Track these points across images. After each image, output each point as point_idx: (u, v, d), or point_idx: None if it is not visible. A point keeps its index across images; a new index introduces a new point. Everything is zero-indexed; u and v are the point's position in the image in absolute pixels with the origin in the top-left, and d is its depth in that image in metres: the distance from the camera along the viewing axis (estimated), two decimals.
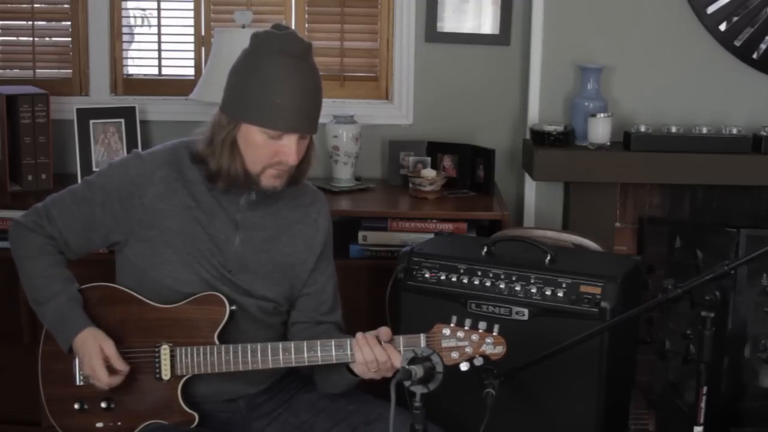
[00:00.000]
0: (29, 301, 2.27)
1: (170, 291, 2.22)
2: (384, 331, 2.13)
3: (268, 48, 2.14)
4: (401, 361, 2.04)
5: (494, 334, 2.06)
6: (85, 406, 2.25)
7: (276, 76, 2.12)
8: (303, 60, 2.15)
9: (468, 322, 2.08)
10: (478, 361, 2.05)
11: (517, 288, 2.51)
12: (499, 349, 2.06)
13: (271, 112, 2.13)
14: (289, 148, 2.15)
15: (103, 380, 2.17)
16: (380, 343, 2.11)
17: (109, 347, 2.17)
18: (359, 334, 2.13)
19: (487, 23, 3.53)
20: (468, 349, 2.06)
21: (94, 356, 2.16)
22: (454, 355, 2.06)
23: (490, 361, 2.07)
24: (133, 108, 3.46)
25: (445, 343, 2.06)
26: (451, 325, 2.07)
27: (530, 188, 3.48)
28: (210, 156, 2.20)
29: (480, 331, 2.06)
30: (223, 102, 2.21)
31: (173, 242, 2.22)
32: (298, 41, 2.15)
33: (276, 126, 2.13)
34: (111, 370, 2.17)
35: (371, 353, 2.10)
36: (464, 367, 2.04)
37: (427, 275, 2.62)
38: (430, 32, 3.53)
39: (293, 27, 3.58)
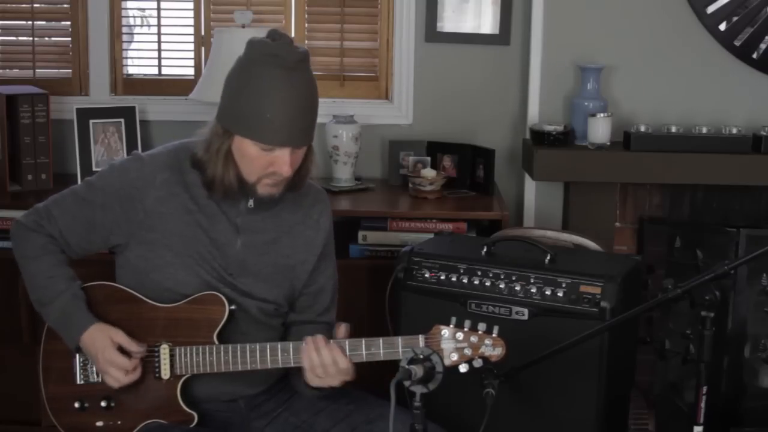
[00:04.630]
0: (32, 302, 2.27)
1: (171, 293, 2.22)
2: (341, 328, 2.14)
3: (261, 59, 2.12)
4: (347, 363, 2.09)
5: (493, 335, 2.05)
6: (86, 405, 2.25)
7: (267, 90, 2.10)
8: (297, 70, 2.12)
9: (467, 323, 2.07)
10: (477, 363, 2.04)
11: (517, 288, 2.51)
12: (499, 351, 2.05)
13: (261, 126, 2.11)
14: (282, 159, 2.14)
15: (124, 365, 2.16)
16: (328, 344, 2.11)
17: (119, 335, 2.17)
18: (308, 338, 2.13)
19: (487, 23, 3.53)
20: (467, 351, 2.05)
21: (107, 348, 2.16)
22: (453, 356, 2.05)
23: (490, 362, 2.06)
24: (133, 108, 3.46)
25: (444, 345, 2.06)
26: (450, 326, 2.07)
27: (530, 188, 3.48)
28: (207, 163, 2.20)
29: (479, 332, 2.05)
30: (219, 111, 2.20)
31: (174, 245, 2.22)
32: (292, 51, 2.12)
33: (267, 140, 2.12)
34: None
35: (317, 357, 2.11)
36: (463, 368, 2.04)
37: (427, 275, 2.62)
38: (430, 32, 3.53)
39: (293, 27, 3.59)
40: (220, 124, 2.19)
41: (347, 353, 2.12)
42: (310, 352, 2.12)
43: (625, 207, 3.41)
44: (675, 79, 3.38)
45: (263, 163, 2.15)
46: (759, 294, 3.33)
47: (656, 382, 3.47)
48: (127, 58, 3.68)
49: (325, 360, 2.11)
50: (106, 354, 2.16)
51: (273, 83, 2.10)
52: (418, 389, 1.87)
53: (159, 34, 3.65)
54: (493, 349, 2.04)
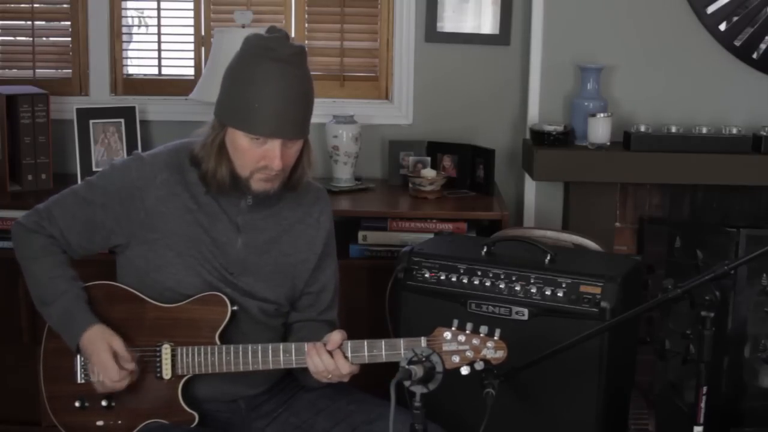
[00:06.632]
0: (34, 302, 2.27)
1: (172, 293, 2.22)
2: (332, 339, 2.12)
3: (255, 51, 2.13)
4: (350, 368, 2.09)
5: (495, 338, 2.05)
6: (86, 404, 2.25)
7: (258, 81, 2.11)
8: (290, 64, 2.12)
9: (469, 325, 2.07)
10: (479, 366, 2.04)
11: (517, 288, 2.51)
12: (500, 354, 2.05)
13: (251, 116, 2.12)
14: (273, 153, 2.14)
15: (113, 376, 2.16)
16: (330, 351, 2.11)
17: (118, 344, 2.18)
18: (309, 345, 2.14)
19: (487, 23, 3.53)
20: (469, 353, 2.05)
21: (103, 352, 2.16)
22: (455, 359, 2.05)
23: (491, 365, 2.06)
24: (133, 108, 3.46)
25: (446, 347, 2.05)
26: (453, 328, 2.07)
27: (530, 188, 3.48)
28: (202, 158, 2.21)
29: (481, 335, 2.05)
30: (215, 105, 2.22)
31: (175, 245, 2.22)
32: (286, 45, 2.13)
33: (255, 130, 2.13)
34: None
35: (320, 363, 2.11)
36: (465, 371, 2.04)
37: (427, 275, 2.62)
38: (430, 32, 3.53)
39: (293, 27, 3.59)
40: (216, 118, 2.20)
41: (349, 354, 2.12)
42: (313, 358, 2.12)
43: (625, 207, 3.41)
44: (675, 79, 3.38)
45: (255, 156, 2.15)
46: (759, 294, 3.34)
47: (656, 382, 3.47)
48: (127, 58, 3.68)
49: (329, 366, 2.11)
50: (100, 356, 2.16)
51: (264, 74, 2.11)
52: (418, 389, 1.87)
53: (159, 34, 3.65)
54: (495, 351, 2.05)
